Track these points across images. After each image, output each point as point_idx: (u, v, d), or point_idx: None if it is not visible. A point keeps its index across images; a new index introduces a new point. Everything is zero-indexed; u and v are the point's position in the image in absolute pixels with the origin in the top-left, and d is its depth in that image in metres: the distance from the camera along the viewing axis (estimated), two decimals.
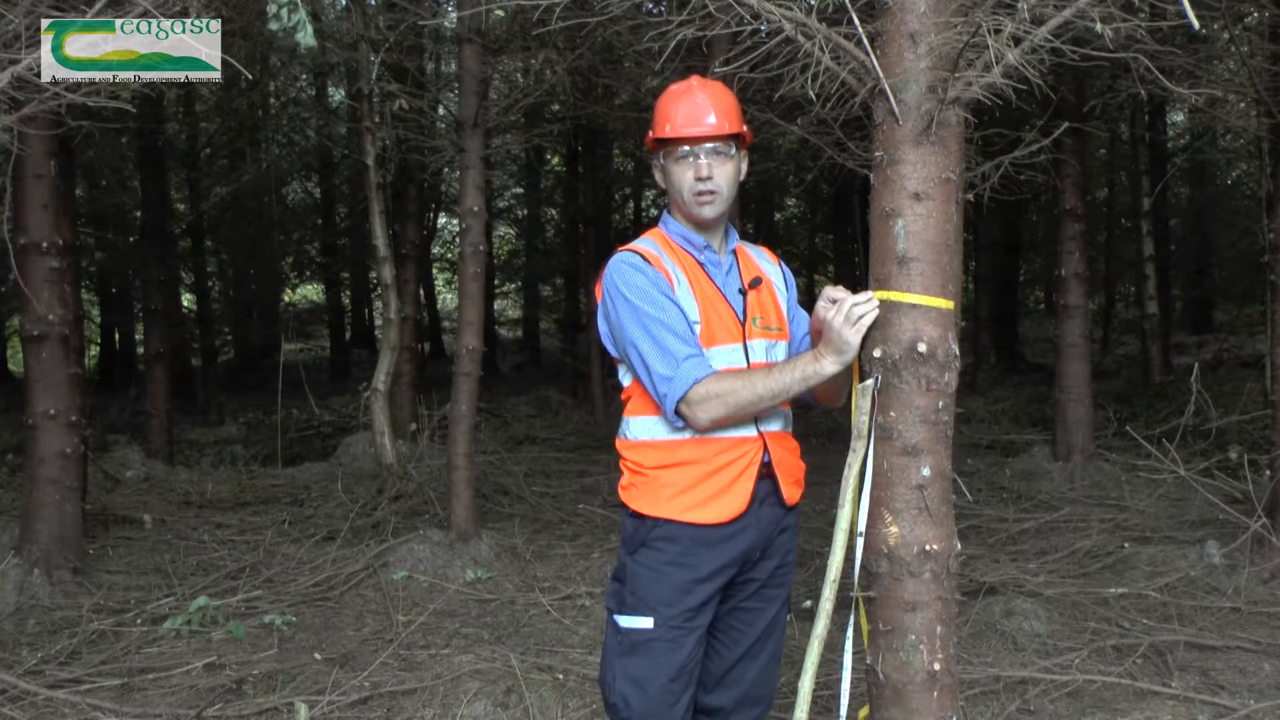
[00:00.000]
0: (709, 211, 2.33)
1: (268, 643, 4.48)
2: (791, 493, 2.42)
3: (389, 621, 4.77)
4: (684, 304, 2.29)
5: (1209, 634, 4.23)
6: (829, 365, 2.15)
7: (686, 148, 2.32)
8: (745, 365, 2.32)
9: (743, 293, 2.41)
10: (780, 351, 2.44)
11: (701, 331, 2.28)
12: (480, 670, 4.01)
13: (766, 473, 2.35)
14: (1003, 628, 4.34)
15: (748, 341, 2.35)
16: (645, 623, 2.26)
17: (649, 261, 2.30)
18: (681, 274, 2.32)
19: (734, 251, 2.46)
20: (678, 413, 2.22)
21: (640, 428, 2.34)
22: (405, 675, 4.09)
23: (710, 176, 2.31)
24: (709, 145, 2.31)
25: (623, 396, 2.42)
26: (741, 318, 2.37)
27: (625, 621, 2.29)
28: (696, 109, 2.32)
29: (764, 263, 2.53)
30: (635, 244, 2.38)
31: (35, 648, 4.44)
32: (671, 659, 2.25)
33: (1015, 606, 4.46)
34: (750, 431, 2.32)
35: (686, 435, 2.28)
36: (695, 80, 2.39)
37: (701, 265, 2.37)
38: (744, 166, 2.44)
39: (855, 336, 2.12)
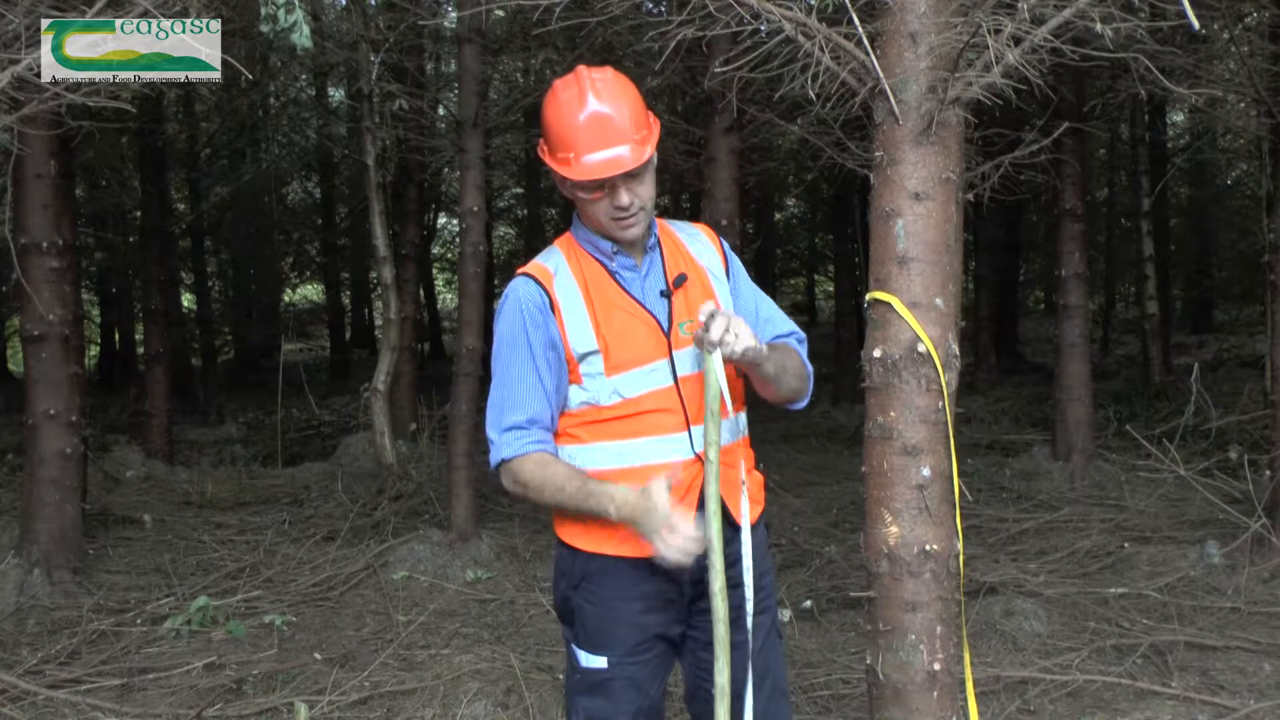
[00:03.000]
0: (634, 233, 2.04)
1: (268, 643, 4.48)
2: (743, 509, 2.13)
3: (389, 621, 4.77)
4: (574, 335, 2.04)
5: (1209, 634, 4.23)
6: (613, 514, 1.95)
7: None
8: (673, 383, 2.06)
9: (666, 295, 2.10)
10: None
11: (606, 360, 2.04)
12: (480, 670, 4.01)
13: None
14: (1003, 628, 4.34)
15: (674, 353, 2.07)
16: (600, 662, 2.08)
17: (543, 287, 2.05)
18: (578, 294, 2.06)
19: (658, 244, 2.14)
20: (498, 472, 2.09)
21: (569, 456, 2.09)
22: (405, 675, 4.08)
23: (631, 202, 2.00)
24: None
25: None
26: (665, 327, 2.08)
27: (583, 659, 2.11)
28: (605, 134, 1.96)
29: (697, 247, 2.19)
30: (537, 260, 2.13)
31: (35, 648, 4.44)
32: (631, 695, 2.09)
33: (1015, 606, 4.46)
34: (686, 454, 2.05)
35: (619, 465, 2.04)
36: (589, 83, 1.99)
37: (612, 274, 2.09)
38: (655, 157, 2.09)
39: (666, 552, 1.90)
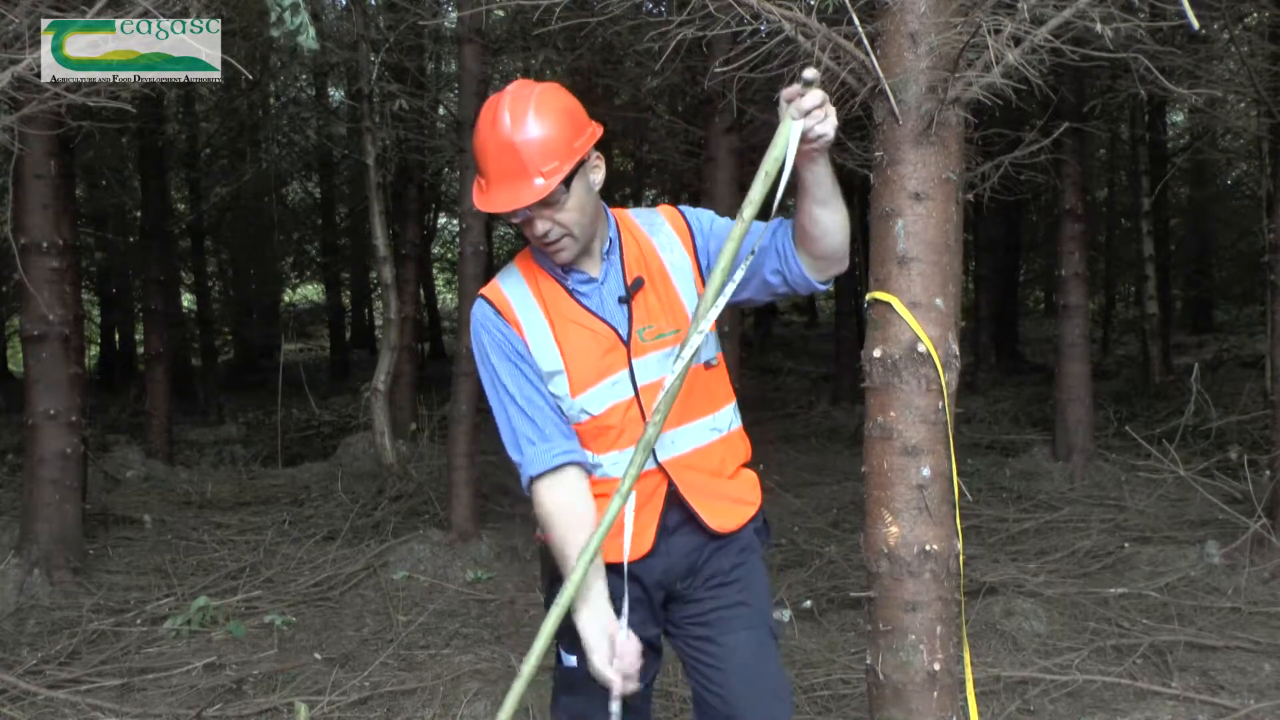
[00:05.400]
0: (564, 258, 2.00)
1: (268, 643, 4.48)
2: (722, 515, 2.10)
3: (389, 621, 4.78)
4: (540, 355, 2.03)
5: (1209, 634, 4.23)
6: (577, 623, 1.98)
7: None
8: (633, 394, 2.03)
9: (624, 301, 2.05)
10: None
11: (570, 379, 2.02)
12: (480, 670, 4.01)
13: (675, 500, 2.07)
14: (1003, 628, 4.34)
15: (634, 362, 2.03)
16: (573, 660, 2.10)
17: (500, 313, 2.05)
18: (540, 314, 2.04)
19: (617, 246, 2.09)
20: (530, 489, 2.06)
21: None
22: (405, 675, 4.09)
23: (548, 231, 1.96)
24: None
25: None
26: (625, 336, 2.04)
27: (564, 657, 2.14)
28: (509, 166, 1.90)
29: (661, 238, 2.12)
30: (495, 282, 2.11)
31: (35, 648, 4.44)
32: (606, 694, 2.04)
33: (1015, 606, 4.46)
34: (650, 464, 2.02)
35: (595, 475, 2.06)
36: (506, 107, 1.91)
37: (570, 291, 2.06)
38: (596, 175, 2.00)
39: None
